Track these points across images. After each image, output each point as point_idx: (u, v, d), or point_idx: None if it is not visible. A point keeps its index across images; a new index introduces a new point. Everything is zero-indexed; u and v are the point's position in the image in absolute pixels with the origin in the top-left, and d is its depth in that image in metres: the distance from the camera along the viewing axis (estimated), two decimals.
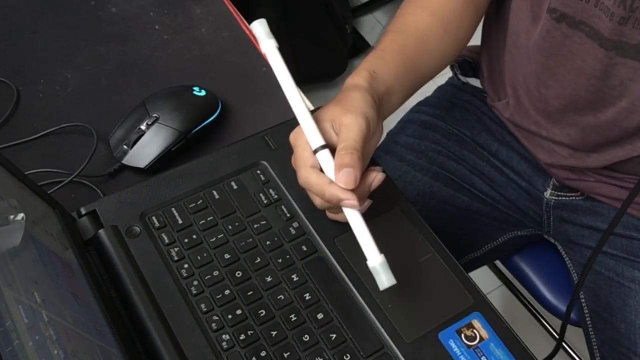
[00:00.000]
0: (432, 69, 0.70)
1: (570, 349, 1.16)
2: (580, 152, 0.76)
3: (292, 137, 0.58)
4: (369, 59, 0.65)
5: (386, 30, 0.69)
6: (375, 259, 0.54)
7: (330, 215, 0.60)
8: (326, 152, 0.55)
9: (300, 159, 0.57)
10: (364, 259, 0.54)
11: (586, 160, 0.76)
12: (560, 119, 0.75)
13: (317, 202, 0.58)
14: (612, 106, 0.69)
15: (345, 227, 0.60)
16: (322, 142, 0.56)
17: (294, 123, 0.68)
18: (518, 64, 0.76)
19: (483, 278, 1.08)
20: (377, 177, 0.57)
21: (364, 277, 0.58)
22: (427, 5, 0.70)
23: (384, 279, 0.53)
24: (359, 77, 0.61)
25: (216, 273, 0.58)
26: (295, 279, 0.58)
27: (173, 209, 0.61)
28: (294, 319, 0.55)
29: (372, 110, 0.57)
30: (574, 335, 0.76)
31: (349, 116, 0.56)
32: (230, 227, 0.60)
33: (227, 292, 0.57)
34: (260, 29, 0.59)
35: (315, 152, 0.56)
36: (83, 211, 0.61)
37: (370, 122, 0.56)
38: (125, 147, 0.72)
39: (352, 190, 0.54)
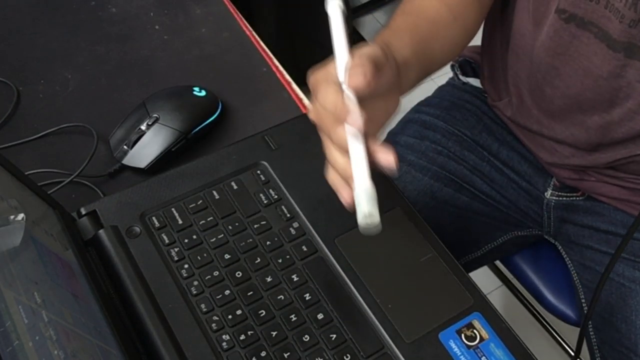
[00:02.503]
0: (443, 54, 0.69)
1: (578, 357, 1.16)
2: (582, 150, 0.76)
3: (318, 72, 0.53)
4: (382, 35, 0.62)
5: (395, 12, 0.67)
6: (362, 184, 0.49)
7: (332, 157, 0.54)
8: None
9: (321, 74, 0.52)
10: (365, 258, 0.54)
11: (588, 159, 0.76)
12: (564, 118, 0.75)
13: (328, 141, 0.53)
14: (618, 107, 0.69)
15: (345, 227, 0.60)
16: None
17: (294, 123, 0.68)
18: (521, 63, 0.76)
19: (483, 278, 1.08)
20: (385, 155, 0.51)
21: (364, 277, 0.58)
22: None
23: (365, 208, 0.48)
24: (374, 46, 0.57)
25: (216, 273, 0.58)
26: (295, 279, 0.58)
27: (173, 209, 0.61)
28: (294, 319, 0.55)
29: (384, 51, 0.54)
30: (574, 335, 0.76)
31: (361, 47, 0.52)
32: (230, 227, 0.60)
33: (227, 292, 0.57)
34: None
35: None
36: (83, 211, 0.61)
37: (384, 52, 0.53)
38: (125, 147, 0.72)
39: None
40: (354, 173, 0.50)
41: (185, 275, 0.57)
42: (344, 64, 0.51)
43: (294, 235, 0.60)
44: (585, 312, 0.82)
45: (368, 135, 0.51)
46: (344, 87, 0.50)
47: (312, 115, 0.53)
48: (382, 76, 0.52)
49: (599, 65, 0.66)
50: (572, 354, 1.17)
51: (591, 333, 0.82)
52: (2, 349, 0.36)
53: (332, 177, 0.54)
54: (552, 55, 0.70)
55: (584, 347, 0.83)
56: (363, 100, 0.52)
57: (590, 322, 0.82)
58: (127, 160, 0.72)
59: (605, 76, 0.67)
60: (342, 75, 0.51)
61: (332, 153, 0.53)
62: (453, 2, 0.69)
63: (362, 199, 0.49)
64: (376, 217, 0.49)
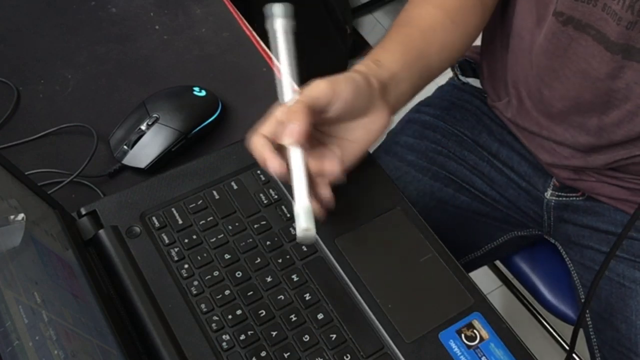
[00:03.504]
0: (441, 61, 0.69)
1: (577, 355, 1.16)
2: (581, 152, 0.76)
3: None
4: (373, 51, 0.65)
5: (391, 25, 0.69)
6: (301, 202, 0.53)
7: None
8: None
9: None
10: (365, 258, 0.54)
11: (587, 160, 0.76)
12: (563, 120, 0.75)
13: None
14: (617, 109, 0.69)
15: (345, 227, 0.61)
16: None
17: None
18: (521, 65, 0.76)
19: (483, 278, 1.08)
20: (329, 165, 0.57)
21: (364, 277, 0.58)
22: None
23: (303, 224, 0.52)
24: (359, 65, 0.61)
25: (216, 273, 0.58)
26: (295, 279, 0.58)
27: (173, 209, 0.61)
28: (294, 319, 0.55)
29: (347, 81, 0.57)
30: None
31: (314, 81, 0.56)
32: (230, 227, 0.60)
33: (227, 292, 0.57)
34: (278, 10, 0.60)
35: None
36: (83, 211, 0.61)
37: (335, 86, 0.56)
38: (125, 147, 0.72)
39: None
40: (295, 190, 0.54)
41: (185, 275, 0.57)
42: (288, 88, 0.57)
43: (294, 235, 0.60)
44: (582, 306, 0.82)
45: (351, 159, 0.57)
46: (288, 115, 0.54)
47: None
48: (329, 111, 0.56)
49: (597, 67, 0.66)
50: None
51: (591, 333, 0.82)
52: (2, 349, 0.36)
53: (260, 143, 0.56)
54: (551, 57, 0.70)
55: (585, 348, 0.83)
56: (338, 123, 0.57)
57: (590, 323, 0.82)
58: (127, 160, 0.72)
59: (603, 78, 0.67)
60: (286, 96, 0.57)
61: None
62: (452, 8, 0.69)
63: (301, 215, 0.53)
64: (313, 231, 0.53)
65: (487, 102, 0.89)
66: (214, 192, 0.63)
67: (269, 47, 0.86)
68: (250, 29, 0.88)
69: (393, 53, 0.64)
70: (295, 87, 0.57)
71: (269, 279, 0.57)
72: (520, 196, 0.87)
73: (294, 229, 0.56)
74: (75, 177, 0.69)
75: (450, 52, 0.70)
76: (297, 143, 0.54)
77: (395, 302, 0.57)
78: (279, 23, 0.59)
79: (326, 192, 0.58)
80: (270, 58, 0.84)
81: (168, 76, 0.81)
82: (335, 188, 0.58)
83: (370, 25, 2.01)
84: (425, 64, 0.67)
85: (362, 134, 0.59)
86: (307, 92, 0.55)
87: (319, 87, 0.56)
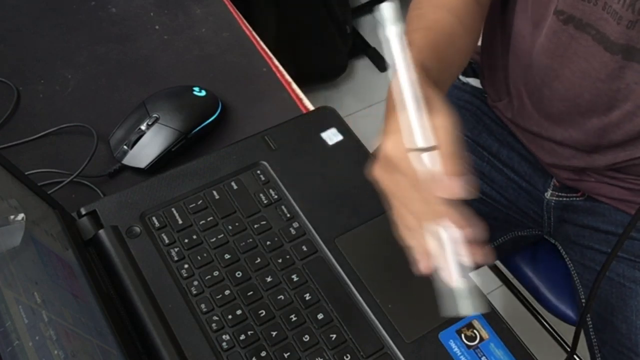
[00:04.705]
0: (459, 66, 0.68)
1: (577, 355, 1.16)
2: (582, 152, 0.76)
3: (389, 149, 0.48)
4: (416, 60, 0.53)
5: (410, 29, 0.64)
6: (460, 282, 0.47)
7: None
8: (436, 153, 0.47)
9: (404, 172, 0.47)
10: (365, 258, 0.54)
11: (587, 161, 0.76)
12: (563, 121, 0.75)
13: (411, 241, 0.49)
14: (617, 109, 0.69)
15: (345, 227, 0.61)
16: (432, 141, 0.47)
17: (294, 123, 0.68)
18: (521, 65, 0.76)
19: (483, 278, 1.08)
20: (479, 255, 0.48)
21: (364, 277, 0.58)
22: (441, 4, 0.69)
23: (468, 304, 0.47)
24: (423, 82, 0.51)
25: (216, 273, 0.58)
26: (295, 279, 0.58)
27: (173, 209, 0.61)
28: (294, 319, 0.55)
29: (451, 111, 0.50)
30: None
31: (440, 115, 0.48)
32: (230, 227, 0.60)
33: (227, 292, 0.57)
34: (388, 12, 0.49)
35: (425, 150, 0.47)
36: (83, 211, 0.61)
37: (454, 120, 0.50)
38: (125, 147, 0.72)
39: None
40: (452, 273, 0.48)
41: (185, 275, 0.57)
42: (428, 129, 0.47)
43: (294, 235, 0.60)
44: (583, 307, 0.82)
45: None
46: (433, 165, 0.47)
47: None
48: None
49: (597, 67, 0.66)
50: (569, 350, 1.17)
51: (591, 333, 0.82)
52: (2, 349, 0.36)
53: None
54: (551, 57, 0.70)
55: (585, 348, 0.83)
56: None
57: (590, 323, 0.82)
58: (127, 160, 0.72)
59: (603, 78, 0.67)
60: (430, 139, 0.47)
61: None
62: (463, 14, 0.68)
63: (463, 296, 0.48)
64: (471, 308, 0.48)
65: (487, 102, 0.89)
66: (214, 192, 0.63)
67: (269, 47, 0.86)
68: (250, 29, 0.88)
69: (430, 59, 0.59)
70: (422, 103, 0.47)
71: (269, 279, 0.57)
72: (521, 196, 0.87)
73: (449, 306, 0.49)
74: (75, 177, 0.69)
75: (464, 58, 0.69)
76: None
77: (395, 302, 0.57)
78: (392, 30, 0.48)
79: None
80: (270, 58, 0.84)
81: (168, 76, 0.82)
82: (335, 188, 0.58)
83: (370, 25, 2.01)
84: (449, 70, 0.65)
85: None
86: (446, 136, 0.48)
87: (449, 131, 0.48)
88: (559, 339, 1.27)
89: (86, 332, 0.47)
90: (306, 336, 0.55)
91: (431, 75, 0.55)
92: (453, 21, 0.68)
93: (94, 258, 0.58)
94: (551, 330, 1.26)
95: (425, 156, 0.47)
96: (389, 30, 0.48)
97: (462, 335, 0.55)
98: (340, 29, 1.78)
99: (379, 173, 0.50)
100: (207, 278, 0.57)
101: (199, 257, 0.58)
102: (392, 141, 0.48)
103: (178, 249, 0.59)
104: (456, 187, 0.46)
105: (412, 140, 0.47)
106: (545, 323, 1.26)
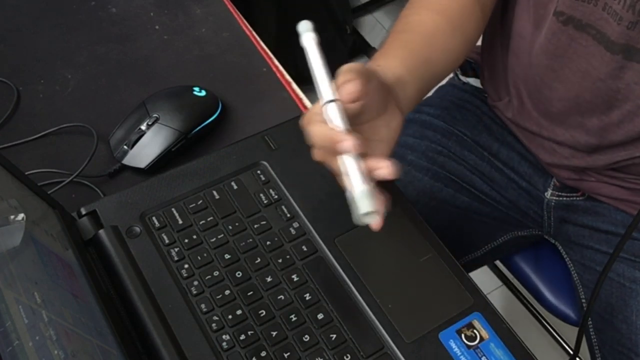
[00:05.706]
0: (445, 66, 0.69)
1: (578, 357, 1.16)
2: (582, 152, 0.76)
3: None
4: (375, 58, 0.64)
5: (389, 32, 0.68)
6: (359, 186, 0.51)
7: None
8: (334, 105, 0.53)
9: (307, 116, 0.54)
10: (365, 258, 0.54)
11: (587, 160, 0.76)
12: (563, 121, 0.75)
13: (316, 154, 0.55)
14: (617, 109, 0.69)
15: (345, 227, 0.60)
16: (332, 97, 0.53)
17: (294, 123, 0.68)
18: (521, 65, 0.76)
19: (483, 278, 1.08)
20: (383, 167, 0.53)
21: (364, 277, 0.58)
22: (432, 5, 0.69)
23: (366, 204, 0.51)
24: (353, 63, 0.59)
25: (216, 273, 0.58)
26: (295, 279, 0.58)
27: (173, 209, 0.61)
28: (294, 319, 0.55)
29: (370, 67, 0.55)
30: (574, 335, 0.76)
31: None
32: (230, 227, 0.60)
33: (227, 292, 0.57)
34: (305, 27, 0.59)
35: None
36: (83, 211, 0.61)
37: (370, 71, 0.54)
38: (125, 147, 0.72)
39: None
40: (350, 174, 0.52)
41: (185, 275, 0.57)
42: (329, 89, 0.53)
43: (294, 235, 0.60)
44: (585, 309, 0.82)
45: (375, 156, 0.54)
46: (332, 117, 0.52)
47: (314, 156, 0.55)
48: (372, 84, 0.54)
49: (597, 67, 0.66)
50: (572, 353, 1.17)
51: (591, 333, 0.82)
52: (2, 349, 0.36)
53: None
54: (551, 57, 0.70)
55: (585, 348, 0.83)
56: (362, 122, 0.55)
57: (590, 323, 0.82)
58: (127, 160, 0.72)
59: (603, 78, 0.67)
60: (330, 95, 0.53)
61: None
62: (452, 14, 0.69)
63: (361, 199, 0.51)
64: (376, 214, 0.51)
65: (487, 102, 0.89)
66: (214, 192, 0.63)
67: (269, 47, 0.86)
68: (250, 29, 0.88)
69: (395, 58, 0.63)
70: (337, 96, 0.54)
71: (269, 279, 0.57)
72: (521, 196, 0.87)
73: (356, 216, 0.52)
74: (75, 177, 0.69)
75: (452, 57, 0.70)
76: (359, 99, 0.51)
77: (395, 302, 0.57)
78: (308, 37, 0.57)
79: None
80: (270, 58, 0.84)
81: (168, 76, 0.82)
82: (335, 188, 0.58)
83: (370, 25, 2.01)
84: (429, 68, 0.66)
85: (386, 132, 0.57)
86: (346, 67, 0.53)
87: (355, 64, 0.53)
88: (558, 338, 1.28)
89: (86, 332, 0.47)
90: (306, 336, 0.55)
91: (389, 69, 0.60)
92: (438, 20, 0.68)
93: (94, 258, 0.58)
94: (551, 330, 1.26)
95: (326, 107, 0.53)
96: (305, 37, 0.58)
97: (462, 335, 0.55)
98: (340, 29, 1.78)
99: (302, 122, 0.56)
100: (207, 278, 0.57)
101: (199, 257, 0.58)
102: (303, 116, 0.55)
103: (178, 249, 0.59)
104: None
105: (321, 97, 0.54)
106: (545, 323, 1.27)
